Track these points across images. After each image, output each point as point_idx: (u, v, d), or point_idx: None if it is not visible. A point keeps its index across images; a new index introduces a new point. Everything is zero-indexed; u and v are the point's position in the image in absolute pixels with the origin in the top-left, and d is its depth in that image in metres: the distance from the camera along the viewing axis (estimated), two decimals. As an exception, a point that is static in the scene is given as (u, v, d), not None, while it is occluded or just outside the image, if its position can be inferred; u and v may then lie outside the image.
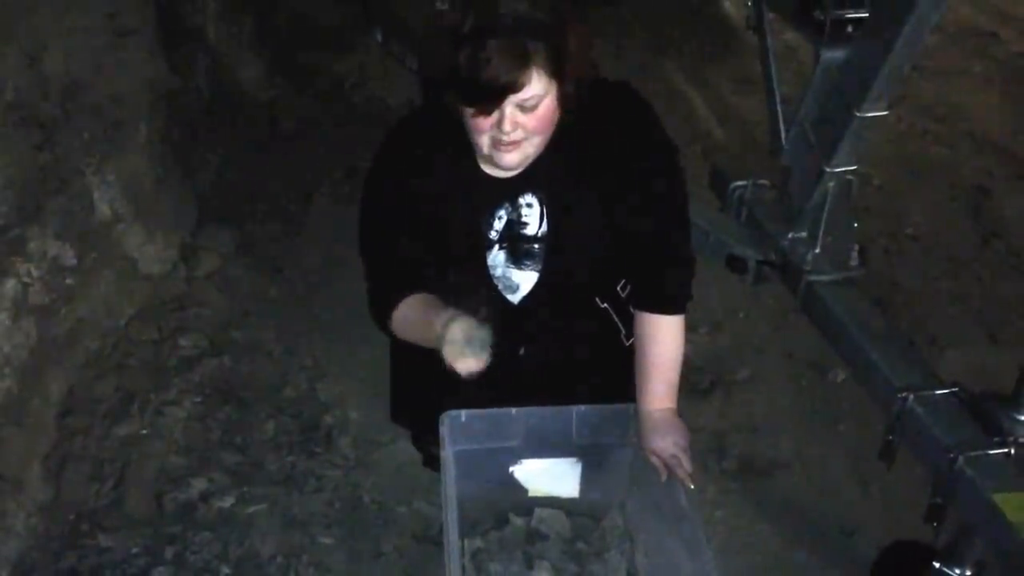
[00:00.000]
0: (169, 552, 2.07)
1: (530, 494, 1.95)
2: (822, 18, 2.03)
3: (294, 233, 3.12)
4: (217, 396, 2.47)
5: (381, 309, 1.67)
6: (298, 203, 3.25)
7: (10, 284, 2.14)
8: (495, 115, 1.44)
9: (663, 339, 1.67)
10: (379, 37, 3.84)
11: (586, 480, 1.93)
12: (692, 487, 1.64)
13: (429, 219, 1.62)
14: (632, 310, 1.72)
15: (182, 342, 2.62)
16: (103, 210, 2.54)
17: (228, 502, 2.19)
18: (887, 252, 3.06)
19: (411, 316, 1.62)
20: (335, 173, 3.37)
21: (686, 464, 1.65)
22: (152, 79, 2.79)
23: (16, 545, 2.04)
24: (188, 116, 3.13)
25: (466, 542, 1.92)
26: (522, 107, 1.43)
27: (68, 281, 2.36)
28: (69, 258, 2.35)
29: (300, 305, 2.82)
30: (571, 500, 1.95)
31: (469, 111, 1.44)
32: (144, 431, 2.35)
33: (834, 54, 2.05)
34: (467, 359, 1.45)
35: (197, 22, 3.31)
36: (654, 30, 4.37)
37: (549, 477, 1.92)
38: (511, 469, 1.90)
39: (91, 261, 2.47)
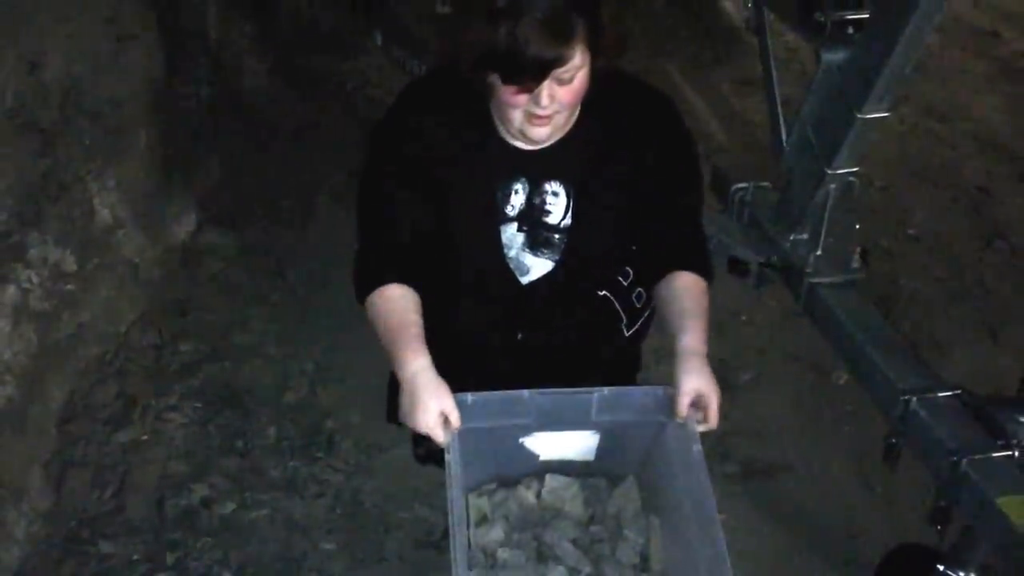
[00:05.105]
0: (170, 558, 2.07)
1: (542, 459, 1.83)
2: (823, 19, 2.02)
3: (295, 237, 3.11)
4: (218, 401, 2.47)
5: (363, 283, 1.55)
6: (299, 206, 3.24)
7: (10, 290, 2.13)
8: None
9: (694, 291, 1.58)
10: (379, 40, 3.84)
11: (601, 451, 1.84)
12: (714, 427, 1.54)
13: (439, 183, 1.54)
14: (648, 290, 1.66)
15: (183, 347, 2.61)
16: (103, 215, 2.54)
17: (229, 508, 2.18)
18: (889, 253, 3.05)
19: (383, 318, 1.52)
20: (336, 176, 3.36)
21: (715, 408, 1.51)
22: (152, 83, 2.78)
23: (17, 552, 2.03)
24: (189, 120, 3.12)
25: (472, 531, 1.87)
26: (559, 80, 1.39)
27: (69, 287, 2.35)
28: (70, 264, 2.35)
29: (301, 309, 2.81)
30: (585, 467, 1.85)
31: (509, 88, 1.39)
32: (145, 437, 2.35)
33: (835, 55, 2.04)
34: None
35: (198, 25, 3.30)
36: (654, 32, 4.36)
37: (563, 444, 1.82)
38: (521, 440, 1.79)
39: (92, 266, 2.46)
